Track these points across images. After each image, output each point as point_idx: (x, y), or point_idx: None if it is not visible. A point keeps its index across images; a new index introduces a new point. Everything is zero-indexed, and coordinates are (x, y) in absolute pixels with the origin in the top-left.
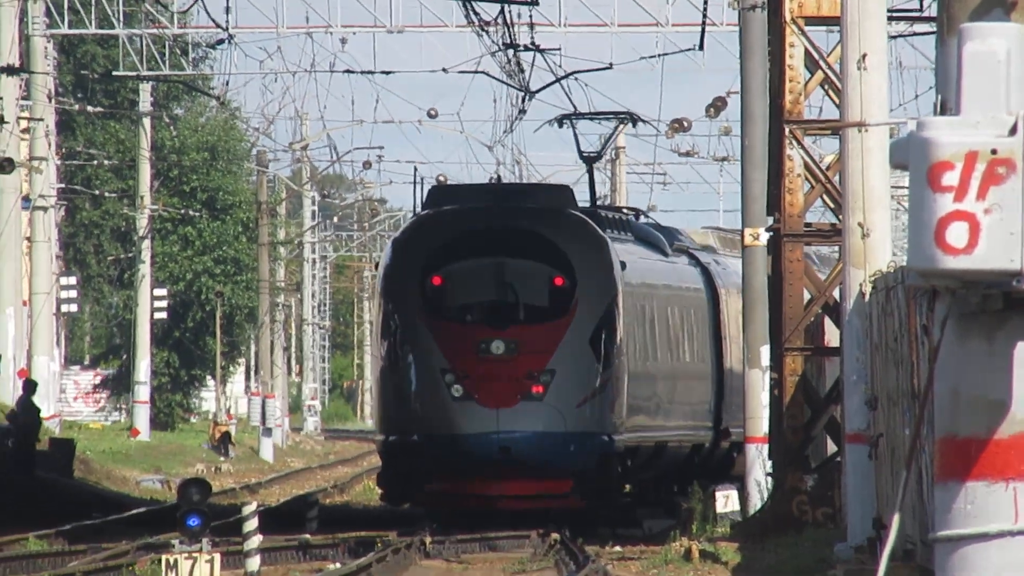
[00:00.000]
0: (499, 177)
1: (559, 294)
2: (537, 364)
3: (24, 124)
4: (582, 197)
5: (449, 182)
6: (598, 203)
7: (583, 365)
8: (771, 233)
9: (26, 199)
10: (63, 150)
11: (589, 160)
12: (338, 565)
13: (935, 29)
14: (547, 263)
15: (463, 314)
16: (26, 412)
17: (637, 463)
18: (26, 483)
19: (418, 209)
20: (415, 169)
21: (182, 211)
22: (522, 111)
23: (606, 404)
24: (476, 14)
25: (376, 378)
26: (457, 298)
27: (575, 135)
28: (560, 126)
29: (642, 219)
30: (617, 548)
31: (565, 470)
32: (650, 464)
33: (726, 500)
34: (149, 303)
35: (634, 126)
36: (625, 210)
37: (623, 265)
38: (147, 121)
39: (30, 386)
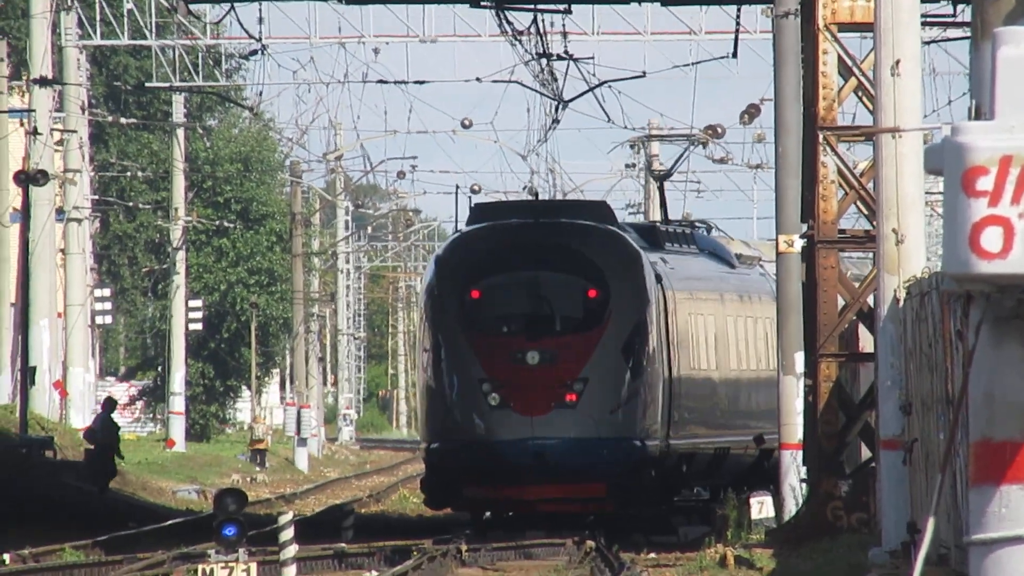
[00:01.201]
0: (534, 188)
1: (592, 306)
2: (570, 373)
3: (57, 136)
4: (617, 205)
5: (483, 192)
6: (670, 218)
7: (616, 374)
8: (805, 240)
9: (60, 211)
10: (96, 162)
11: (659, 178)
12: (374, 574)
13: (969, 34)
14: (581, 276)
15: (500, 326)
16: (105, 429)
17: (695, 469)
18: (64, 494)
19: (460, 225)
20: (456, 187)
21: (216, 222)
22: (556, 120)
23: (639, 411)
24: (509, 23)
25: (419, 388)
26: (494, 311)
27: (647, 156)
28: (632, 148)
29: (714, 233)
30: (652, 555)
31: (598, 474)
32: (711, 470)
33: (761, 506)
34: (184, 314)
35: (704, 147)
36: (697, 223)
37: (659, 277)
38: (180, 132)
39: (110, 404)
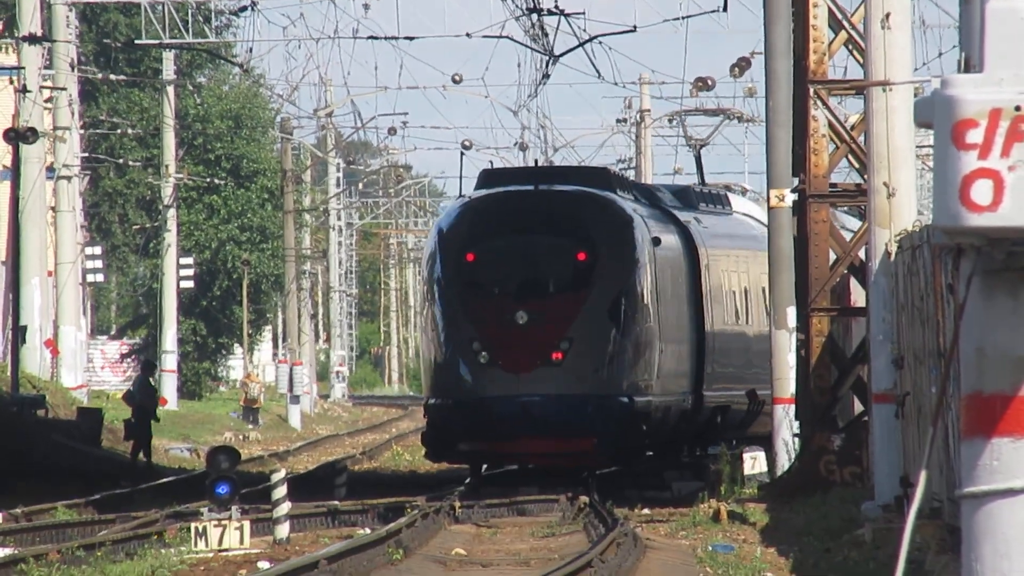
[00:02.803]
0: (526, 143)
1: (580, 268)
2: (556, 333)
3: (47, 94)
4: (608, 160)
5: (474, 147)
6: (706, 181)
7: (602, 333)
8: (796, 194)
9: (50, 169)
10: (86, 119)
11: (697, 146)
12: (368, 531)
13: None
14: (570, 240)
15: (492, 288)
16: (143, 392)
17: (729, 421)
18: (53, 453)
19: (465, 191)
20: (461, 154)
21: (207, 179)
22: (546, 75)
23: (626, 368)
24: None
25: (421, 347)
26: (486, 273)
27: (684, 128)
28: (671, 123)
29: (749, 195)
30: (646, 511)
31: (584, 429)
32: (745, 422)
33: (754, 462)
34: (175, 272)
35: (740, 122)
36: (731, 186)
37: (657, 240)
38: (171, 89)
39: (148, 367)
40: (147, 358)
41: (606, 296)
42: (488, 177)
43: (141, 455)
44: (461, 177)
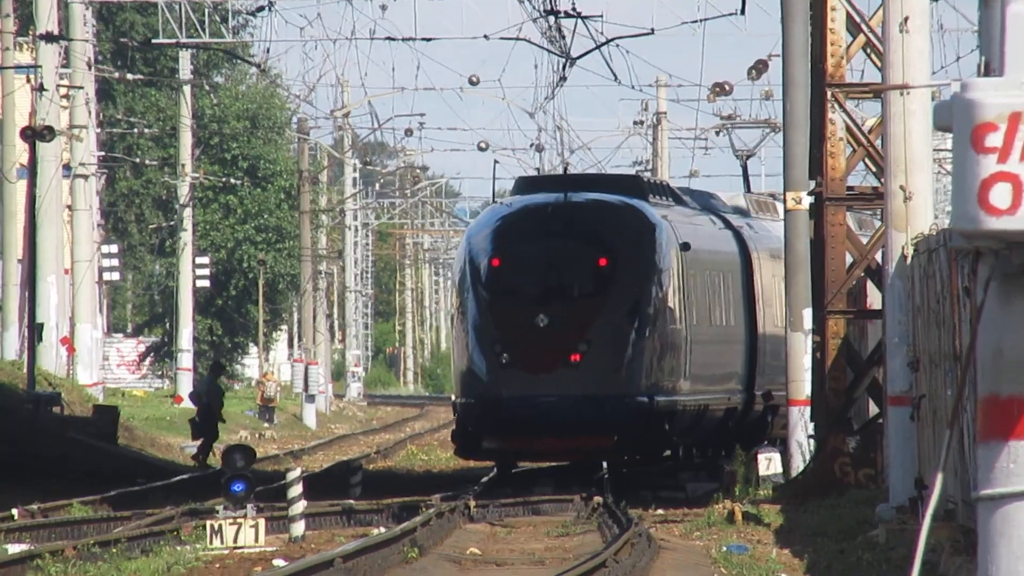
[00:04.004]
0: (542, 145)
1: (601, 273)
2: (575, 336)
3: (64, 92)
4: (625, 163)
5: (490, 148)
6: (751, 189)
7: (621, 336)
8: (813, 197)
9: (67, 167)
10: (103, 119)
11: (743, 157)
12: (383, 530)
13: None
14: (592, 246)
15: (515, 292)
16: (210, 393)
17: (781, 418)
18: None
19: (497, 198)
20: (495, 162)
21: (223, 179)
22: (563, 78)
23: (646, 369)
24: None
25: (452, 348)
26: (510, 278)
27: (730, 139)
28: (717, 134)
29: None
30: (660, 511)
31: (602, 428)
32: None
33: (768, 463)
34: (191, 271)
35: (776, 132)
36: (777, 194)
37: (686, 246)
38: (187, 89)
39: (217, 368)
40: (216, 359)
41: (626, 300)
42: (523, 184)
43: (202, 454)
44: (494, 181)
